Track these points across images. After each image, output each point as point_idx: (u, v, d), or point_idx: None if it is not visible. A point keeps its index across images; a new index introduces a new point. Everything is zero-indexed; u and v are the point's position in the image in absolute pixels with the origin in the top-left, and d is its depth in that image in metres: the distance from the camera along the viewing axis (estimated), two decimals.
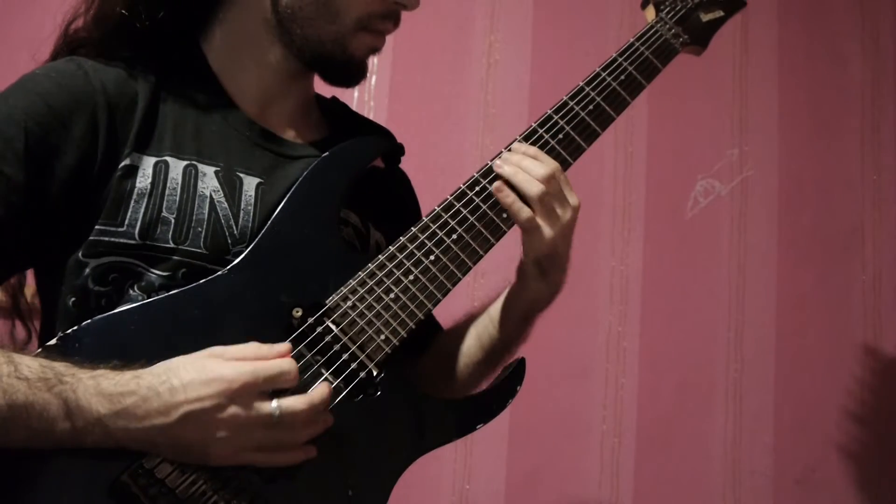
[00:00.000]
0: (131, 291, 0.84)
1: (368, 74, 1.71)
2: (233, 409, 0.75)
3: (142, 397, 0.74)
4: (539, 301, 0.98)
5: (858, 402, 1.77)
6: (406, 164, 1.09)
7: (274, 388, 0.78)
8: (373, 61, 1.84)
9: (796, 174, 1.85)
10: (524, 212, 0.90)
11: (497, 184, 0.91)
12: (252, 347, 0.80)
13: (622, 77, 0.99)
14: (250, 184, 0.91)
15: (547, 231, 0.90)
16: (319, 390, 0.81)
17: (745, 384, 1.76)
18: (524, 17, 1.86)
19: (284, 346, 0.81)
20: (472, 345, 1.04)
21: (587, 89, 0.98)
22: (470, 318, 1.07)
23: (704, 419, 1.74)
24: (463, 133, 1.79)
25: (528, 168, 0.91)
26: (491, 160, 0.94)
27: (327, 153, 0.93)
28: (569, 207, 0.92)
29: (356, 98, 1.77)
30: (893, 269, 1.83)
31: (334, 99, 1.10)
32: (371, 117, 1.76)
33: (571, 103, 0.97)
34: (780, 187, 1.85)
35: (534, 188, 0.90)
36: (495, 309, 1.02)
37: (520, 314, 1.00)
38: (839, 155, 1.88)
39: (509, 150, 0.94)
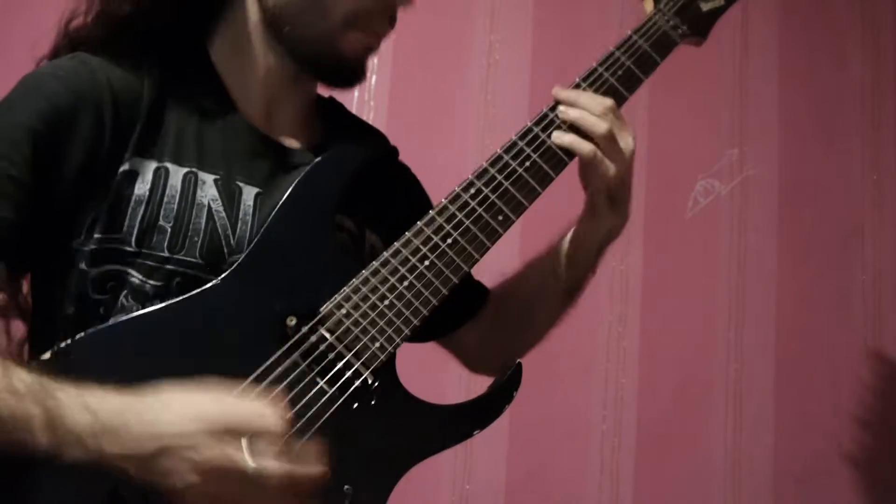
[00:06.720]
0: (125, 301, 0.83)
1: (368, 74, 1.70)
2: (208, 452, 0.71)
3: (124, 422, 0.72)
4: (613, 231, 1.00)
5: (859, 402, 1.77)
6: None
7: (257, 435, 0.73)
8: (373, 61, 1.83)
9: (796, 174, 1.85)
10: (585, 144, 0.92)
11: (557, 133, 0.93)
12: (254, 405, 0.77)
13: (620, 72, 0.97)
14: (249, 193, 0.90)
15: (617, 159, 0.93)
16: (305, 469, 0.75)
17: (745, 384, 1.76)
18: (524, 17, 1.85)
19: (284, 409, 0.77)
20: (543, 290, 1.05)
21: (583, 86, 0.96)
22: (526, 270, 1.09)
23: (704, 419, 1.74)
24: (463, 133, 1.79)
25: (585, 104, 0.93)
26: (486, 161, 0.93)
27: (317, 160, 0.92)
28: (629, 135, 0.94)
29: (356, 98, 1.77)
30: (893, 269, 1.83)
31: (331, 99, 1.07)
32: (371, 117, 1.77)
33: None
34: (780, 187, 1.84)
35: (597, 122, 0.92)
36: (563, 251, 1.03)
37: (594, 248, 1.01)
38: (839, 155, 1.88)
39: (502, 154, 0.93)
